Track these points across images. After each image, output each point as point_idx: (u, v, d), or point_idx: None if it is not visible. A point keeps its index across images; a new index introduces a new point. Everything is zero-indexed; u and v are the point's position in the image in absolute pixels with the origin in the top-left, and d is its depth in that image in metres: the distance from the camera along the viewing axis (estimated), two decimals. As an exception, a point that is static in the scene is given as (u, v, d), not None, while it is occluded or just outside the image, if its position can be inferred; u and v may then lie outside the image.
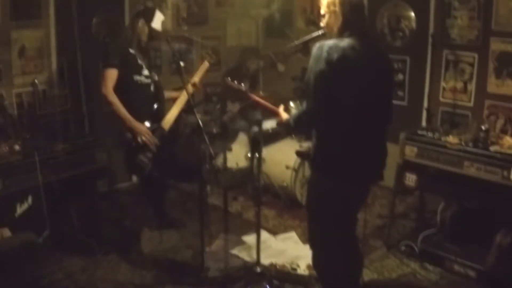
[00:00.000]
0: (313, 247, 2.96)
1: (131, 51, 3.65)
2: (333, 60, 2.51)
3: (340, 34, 2.64)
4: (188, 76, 3.69)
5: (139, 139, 3.56)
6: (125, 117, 3.52)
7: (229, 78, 3.10)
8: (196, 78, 3.92)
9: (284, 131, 4.74)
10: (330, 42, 2.57)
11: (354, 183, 2.74)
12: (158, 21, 3.74)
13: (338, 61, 2.51)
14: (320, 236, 2.89)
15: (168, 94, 4.01)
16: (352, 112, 2.60)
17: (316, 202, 2.83)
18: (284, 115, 2.88)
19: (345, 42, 2.57)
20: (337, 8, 2.63)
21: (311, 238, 2.98)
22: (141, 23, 3.68)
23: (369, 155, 2.73)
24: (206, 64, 3.97)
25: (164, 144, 3.72)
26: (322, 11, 2.71)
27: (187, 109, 3.76)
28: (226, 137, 4.74)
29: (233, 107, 5.19)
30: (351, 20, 2.62)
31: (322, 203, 2.80)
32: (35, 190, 3.77)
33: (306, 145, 4.56)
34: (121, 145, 3.67)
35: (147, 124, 3.64)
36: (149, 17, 3.69)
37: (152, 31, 3.71)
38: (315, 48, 2.58)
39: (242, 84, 3.00)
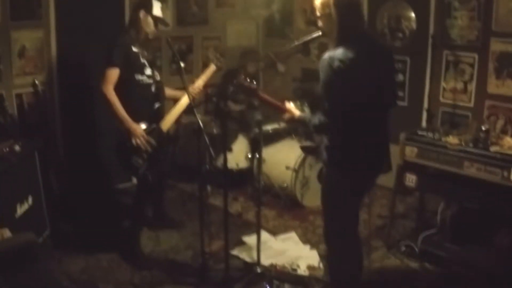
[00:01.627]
0: (326, 243, 3.01)
1: (134, 49, 3.55)
2: (344, 74, 2.55)
3: (340, 38, 2.64)
4: (188, 77, 3.67)
5: (133, 142, 3.49)
6: (123, 118, 3.45)
7: (242, 75, 3.14)
8: (200, 81, 3.89)
9: (291, 127, 4.78)
10: (338, 54, 2.56)
11: (362, 178, 2.82)
12: (157, 8, 3.63)
13: (348, 73, 2.55)
14: (333, 233, 2.92)
15: (169, 92, 3.97)
16: (363, 112, 2.66)
17: (328, 197, 2.88)
18: (296, 112, 2.91)
19: (350, 52, 2.56)
20: (332, 10, 2.62)
21: (324, 235, 3.02)
22: (142, 14, 3.55)
23: (376, 148, 2.81)
24: (212, 67, 3.92)
25: (161, 145, 3.71)
26: (318, 14, 2.72)
27: (188, 109, 3.74)
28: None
29: (236, 107, 5.20)
30: (348, 21, 2.62)
31: (334, 198, 2.85)
32: (35, 190, 3.80)
33: (309, 142, 4.58)
34: (117, 144, 3.64)
35: (143, 125, 3.55)
36: (148, 7, 3.57)
37: (155, 19, 3.60)
38: (324, 61, 2.60)
39: (254, 81, 3.03)
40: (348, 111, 2.62)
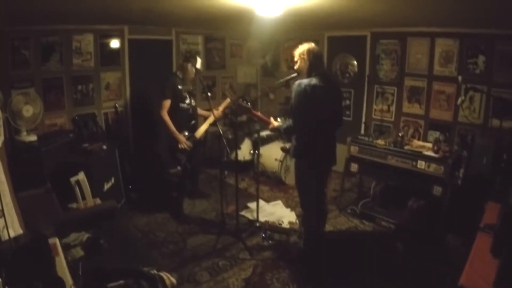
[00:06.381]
0: (302, 209, 2.96)
1: (179, 87, 3.59)
2: (307, 92, 2.53)
3: (309, 74, 2.64)
4: (212, 102, 3.65)
5: (180, 146, 3.56)
6: (173, 131, 3.53)
7: (240, 99, 3.13)
8: (221, 108, 3.81)
9: (275, 134, 4.78)
10: (305, 81, 2.57)
11: (318, 167, 2.75)
12: (199, 62, 3.71)
13: (310, 93, 2.54)
14: (304, 202, 2.89)
15: (200, 112, 3.94)
16: (317, 122, 2.63)
17: (298, 180, 2.84)
18: (275, 123, 2.90)
19: (314, 80, 2.57)
20: (305, 56, 2.65)
21: (300, 204, 2.97)
22: (189, 66, 3.60)
23: (327, 149, 2.76)
24: (228, 100, 3.80)
25: (196, 146, 3.70)
26: (295, 58, 2.73)
27: (213, 123, 3.73)
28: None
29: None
30: (314, 64, 2.64)
31: (301, 180, 2.81)
32: (115, 174, 3.79)
33: (287, 144, 4.57)
34: (168, 146, 3.65)
35: (185, 133, 3.62)
36: (194, 62, 3.64)
37: (197, 70, 3.69)
38: (296, 85, 2.59)
39: (248, 104, 3.02)
40: (308, 119, 2.60)
